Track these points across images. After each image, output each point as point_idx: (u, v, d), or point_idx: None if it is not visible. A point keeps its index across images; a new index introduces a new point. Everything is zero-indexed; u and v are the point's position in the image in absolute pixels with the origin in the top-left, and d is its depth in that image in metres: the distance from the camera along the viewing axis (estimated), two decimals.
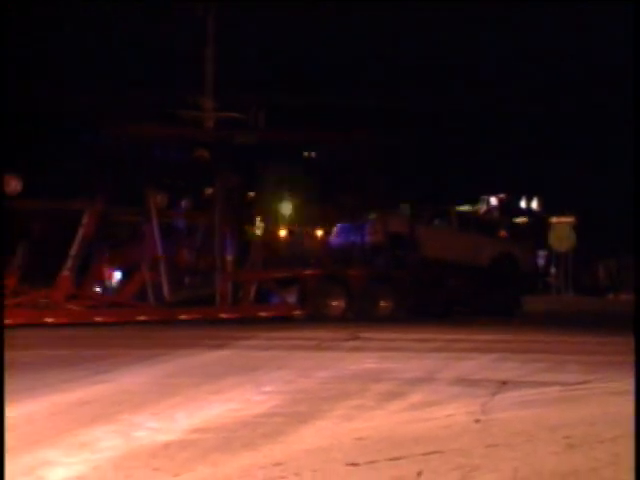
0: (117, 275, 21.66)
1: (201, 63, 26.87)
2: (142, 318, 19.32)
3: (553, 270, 28.44)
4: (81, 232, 19.74)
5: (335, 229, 24.04)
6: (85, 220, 19.74)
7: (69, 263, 19.36)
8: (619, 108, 24.81)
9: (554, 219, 27.94)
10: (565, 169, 35.78)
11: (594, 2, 29.22)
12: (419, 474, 5.07)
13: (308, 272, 22.14)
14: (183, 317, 19.68)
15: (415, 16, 30.61)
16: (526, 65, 33.65)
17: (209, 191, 22.36)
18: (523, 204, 26.84)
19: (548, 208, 28.44)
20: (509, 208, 27.55)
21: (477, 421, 6.86)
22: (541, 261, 28.54)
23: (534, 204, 27.27)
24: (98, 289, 21.48)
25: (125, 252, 21.11)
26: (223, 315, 20.18)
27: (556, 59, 33.36)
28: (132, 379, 9.52)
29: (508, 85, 32.40)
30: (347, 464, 5.36)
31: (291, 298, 21.88)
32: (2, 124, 19.05)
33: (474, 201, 27.48)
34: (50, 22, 29.16)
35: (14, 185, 20.11)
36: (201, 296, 21.14)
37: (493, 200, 26.33)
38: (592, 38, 32.28)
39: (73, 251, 19.54)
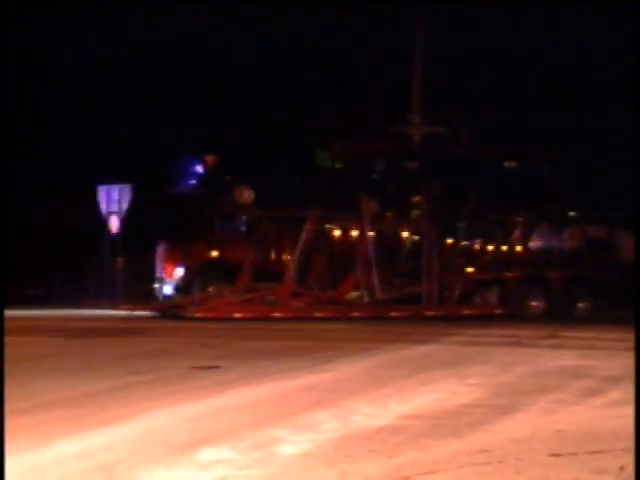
0: (179, 272, 21.24)
1: (408, 82, 26.87)
2: (356, 314, 19.52)
3: None
4: (303, 236, 20.22)
5: (535, 234, 23.43)
6: (307, 226, 20.21)
7: (293, 264, 19.87)
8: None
9: None
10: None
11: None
12: (622, 469, 4.82)
13: (509, 274, 21.72)
14: (393, 314, 19.72)
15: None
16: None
17: (416, 199, 22.34)
18: None
19: None
20: None
21: None
22: None
23: None
24: (156, 285, 21.57)
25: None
26: (429, 313, 20.08)
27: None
28: (349, 369, 9.61)
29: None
30: (549, 454, 5.18)
31: (492, 298, 21.51)
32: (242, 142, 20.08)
33: None
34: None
35: (247, 195, 20.97)
36: (409, 295, 21.16)
37: None
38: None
39: (296, 253, 20.03)
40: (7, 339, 13.41)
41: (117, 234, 22.73)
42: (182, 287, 21.11)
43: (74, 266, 26.17)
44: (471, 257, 22.20)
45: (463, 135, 24.18)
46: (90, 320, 17.98)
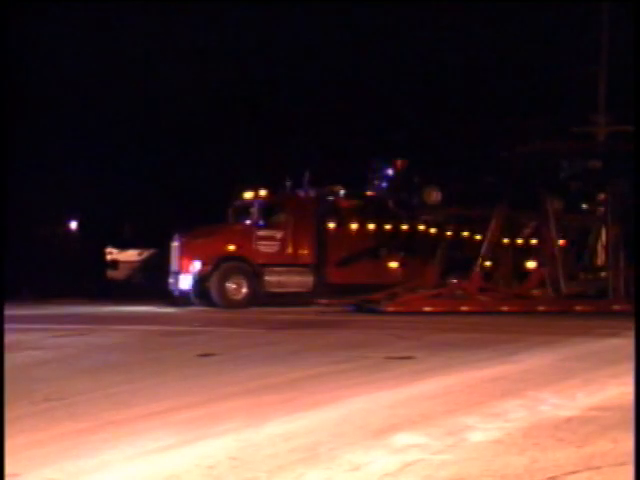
0: (196, 266, 19.89)
1: (594, 82, 25.80)
2: (541, 308, 18.96)
3: None
4: (489, 234, 19.90)
5: None
6: (492, 224, 19.87)
7: (480, 261, 19.58)
8: None
9: None
10: None
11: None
12: None
13: None
14: (578, 308, 19.00)
15: None
16: None
17: (600, 197, 21.44)
18: None
19: None
20: None
21: None
22: None
23: None
24: (171, 280, 20.49)
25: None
26: (616, 307, 19.16)
27: None
28: (534, 361, 9.34)
29: None
30: None
31: None
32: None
33: None
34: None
35: (435, 196, 20.87)
36: (595, 290, 20.33)
37: None
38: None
39: (483, 250, 19.74)
40: (218, 329, 14.05)
41: None
42: (199, 281, 19.97)
43: None
44: None
45: None
46: (288, 313, 18.44)
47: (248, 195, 21.08)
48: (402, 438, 5.18)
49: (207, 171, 30.39)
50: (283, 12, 29.88)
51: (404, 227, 21.64)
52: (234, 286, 20.14)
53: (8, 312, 18.19)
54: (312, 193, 21.47)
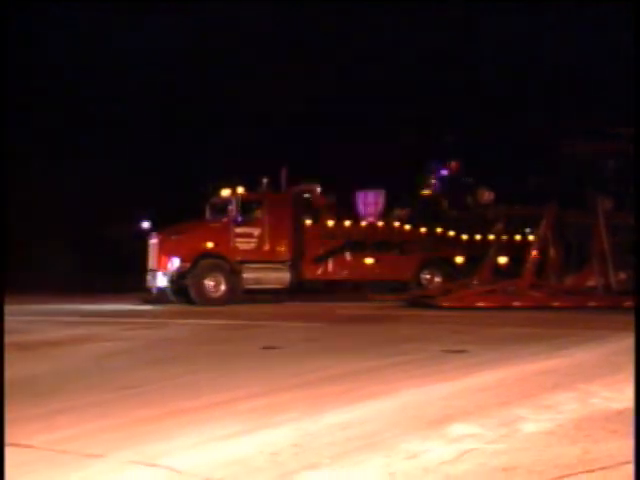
0: (175, 262, 19.43)
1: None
2: (592, 304, 18.68)
3: None
4: (539, 233, 19.69)
5: None
6: (543, 223, 19.65)
7: (532, 257, 19.38)
8: None
9: None
10: None
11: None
12: None
13: None
14: (628, 304, 18.65)
15: None
16: None
17: None
18: None
19: None
20: None
21: None
22: None
23: None
24: (149, 277, 20.07)
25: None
26: None
27: None
28: (584, 354, 9.21)
29: None
30: None
31: None
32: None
33: None
34: None
35: (487, 196, 20.76)
36: None
37: None
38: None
39: (534, 249, 19.53)
40: (277, 324, 14.16)
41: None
42: (177, 278, 19.60)
43: None
44: None
45: None
46: (344, 308, 18.47)
47: (225, 192, 20.70)
48: (457, 428, 5.17)
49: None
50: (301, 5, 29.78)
51: (379, 224, 21.42)
52: (212, 283, 19.81)
53: (85, 307, 18.82)
54: (289, 190, 21.10)
